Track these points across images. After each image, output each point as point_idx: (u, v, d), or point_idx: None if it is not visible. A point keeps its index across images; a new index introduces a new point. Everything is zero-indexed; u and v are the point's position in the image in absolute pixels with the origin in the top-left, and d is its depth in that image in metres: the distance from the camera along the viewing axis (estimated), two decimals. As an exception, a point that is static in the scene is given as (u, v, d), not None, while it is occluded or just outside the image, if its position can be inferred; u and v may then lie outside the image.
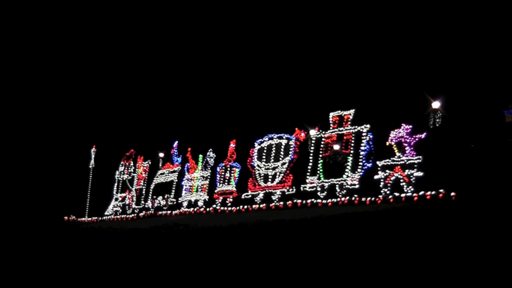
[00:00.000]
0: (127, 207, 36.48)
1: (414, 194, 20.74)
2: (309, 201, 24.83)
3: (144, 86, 43.38)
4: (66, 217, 39.73)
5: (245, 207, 27.88)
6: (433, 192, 19.99)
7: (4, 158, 44.34)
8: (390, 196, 21.56)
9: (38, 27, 45.05)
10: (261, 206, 27.03)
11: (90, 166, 40.77)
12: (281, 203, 26.18)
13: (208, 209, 30.18)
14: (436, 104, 21.16)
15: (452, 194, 19.25)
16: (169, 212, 32.84)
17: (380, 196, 22.14)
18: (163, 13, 41.30)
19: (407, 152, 21.69)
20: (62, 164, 42.94)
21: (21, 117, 46.19)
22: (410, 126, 21.86)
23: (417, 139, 21.43)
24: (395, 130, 22.31)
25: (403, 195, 21.16)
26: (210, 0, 38.87)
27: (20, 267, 21.45)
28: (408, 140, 21.74)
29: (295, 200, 25.51)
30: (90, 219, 38.67)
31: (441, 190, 19.74)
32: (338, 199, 23.74)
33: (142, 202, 35.54)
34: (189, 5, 40.09)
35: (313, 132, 26.60)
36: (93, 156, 41.00)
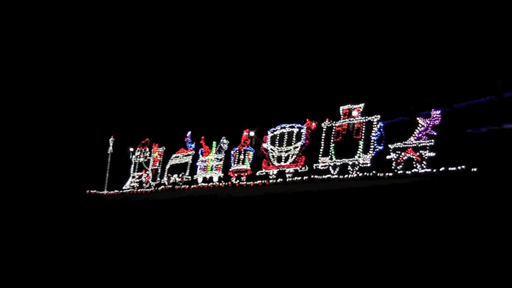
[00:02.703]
0: (143, 183, 33.95)
1: (434, 170, 18.44)
2: (325, 176, 22.41)
3: (160, 82, 40.92)
4: (88, 191, 37.22)
5: (263, 182, 25.20)
6: (454, 168, 17.80)
7: (40, 147, 42.82)
8: (408, 172, 19.29)
9: (59, 24, 42.28)
10: (273, 181, 24.64)
11: (109, 152, 38.50)
12: (291, 179, 23.85)
13: (226, 184, 27.43)
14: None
15: (474, 169, 17.04)
16: (186, 186, 30.01)
17: (391, 173, 19.90)
18: (182, 8, 38.73)
19: (417, 136, 19.67)
20: (87, 150, 41.48)
21: (59, 112, 44.29)
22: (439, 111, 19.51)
23: (431, 125, 19.45)
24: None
25: (422, 170, 18.88)
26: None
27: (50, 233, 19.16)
28: (424, 127, 19.70)
29: (311, 176, 23.00)
30: (110, 192, 35.96)
31: (463, 166, 17.60)
32: (352, 175, 21.41)
33: (158, 179, 32.96)
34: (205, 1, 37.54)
35: (252, 133, 27.05)
36: (111, 144, 38.88)
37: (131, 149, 36.46)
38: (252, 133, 27.68)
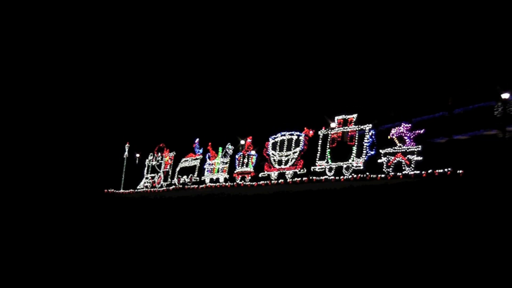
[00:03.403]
0: (156, 183, 34.63)
1: (423, 172, 18.82)
2: (322, 178, 22.89)
3: (172, 94, 41.70)
4: (106, 190, 38.15)
5: (265, 182, 25.71)
6: (441, 170, 18.20)
7: (63, 152, 43.95)
8: (399, 174, 19.66)
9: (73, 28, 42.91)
10: (275, 181, 25.10)
11: (124, 157, 39.51)
12: (294, 179, 24.29)
13: (232, 184, 27.87)
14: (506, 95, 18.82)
15: (460, 171, 17.47)
16: (195, 186, 30.59)
17: (383, 175, 20.30)
18: (184, 14, 39.24)
19: (407, 143, 20.26)
20: (106, 155, 42.34)
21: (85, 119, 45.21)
22: (409, 125, 20.51)
23: (416, 134, 20.05)
24: (396, 128, 20.88)
25: (411, 172, 19.25)
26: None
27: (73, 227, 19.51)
28: (408, 135, 20.29)
29: (310, 177, 23.49)
30: (126, 191, 36.78)
31: (449, 168, 18.03)
32: (346, 176, 21.86)
33: (169, 180, 33.69)
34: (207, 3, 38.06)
35: (242, 142, 28.22)
36: (127, 150, 39.92)
37: (138, 155, 37.95)
38: (242, 142, 28.83)
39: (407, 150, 19.86)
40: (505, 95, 18.73)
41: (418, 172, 18.97)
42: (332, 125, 23.67)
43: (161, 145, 36.51)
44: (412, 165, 19.51)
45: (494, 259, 9.40)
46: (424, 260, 9.97)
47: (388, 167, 20.40)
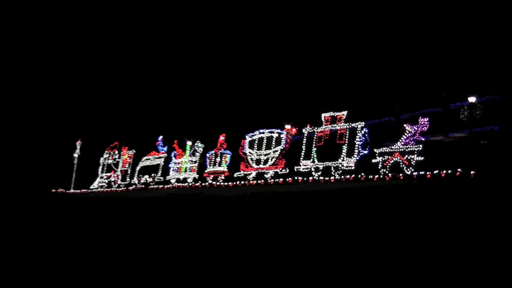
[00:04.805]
0: (112, 183, 31.56)
1: (428, 173, 17.30)
2: (310, 178, 21.02)
3: (132, 85, 38.71)
4: (54, 190, 34.45)
5: (242, 182, 23.56)
6: (450, 171, 16.62)
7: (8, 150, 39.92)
8: (400, 175, 18.03)
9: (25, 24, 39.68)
10: (254, 182, 23.02)
11: (76, 155, 35.89)
12: (273, 180, 22.32)
13: (203, 184, 25.49)
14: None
15: (472, 172, 15.86)
16: (160, 186, 27.90)
17: (380, 176, 18.70)
18: (150, 8, 36.77)
19: (406, 141, 18.70)
20: (54, 152, 38.69)
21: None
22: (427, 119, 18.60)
23: (419, 131, 18.59)
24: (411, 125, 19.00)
25: (414, 173, 17.67)
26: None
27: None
28: (412, 131, 18.68)
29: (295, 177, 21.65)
30: (77, 191, 33.38)
31: (459, 169, 16.42)
32: (336, 177, 20.12)
33: (128, 179, 30.70)
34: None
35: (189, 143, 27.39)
36: (78, 147, 36.24)
37: (75, 155, 35.27)
38: (189, 142, 27.52)
39: (406, 150, 18.41)
40: (472, 99, 18.36)
41: (422, 173, 17.45)
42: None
43: (116, 143, 33.76)
44: (412, 165, 18.05)
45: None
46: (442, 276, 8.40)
47: (384, 167, 18.87)
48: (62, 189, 34.33)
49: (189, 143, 27.57)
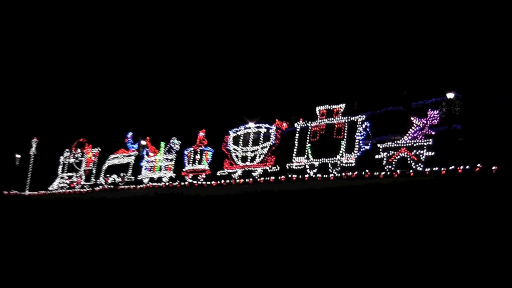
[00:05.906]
0: (75, 183, 28.94)
1: (442, 169, 15.92)
2: (306, 176, 19.32)
3: (95, 77, 35.94)
4: (6, 192, 31.39)
5: (227, 181, 21.68)
6: (467, 167, 15.34)
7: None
8: (411, 171, 16.56)
9: None
10: (241, 180, 21.19)
11: (31, 153, 33.31)
12: (263, 178, 20.58)
13: (182, 183, 23.45)
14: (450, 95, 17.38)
15: (494, 168, 14.62)
16: (132, 186, 25.52)
17: (383, 172, 17.25)
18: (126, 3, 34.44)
19: (414, 135, 17.40)
20: (5, 151, 35.26)
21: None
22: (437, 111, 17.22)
23: (428, 124, 17.27)
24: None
25: (427, 169, 16.22)
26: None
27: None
28: (420, 125, 17.38)
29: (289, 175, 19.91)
30: (33, 193, 30.61)
31: (478, 165, 15.09)
32: (335, 174, 18.52)
33: (93, 179, 28.26)
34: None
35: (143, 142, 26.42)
36: (34, 145, 33.71)
37: (18, 156, 33.77)
38: (143, 142, 26.39)
39: (414, 145, 17.05)
40: (450, 95, 17.38)
41: (436, 169, 16.06)
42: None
43: (80, 140, 31.02)
44: (421, 161, 16.68)
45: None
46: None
47: (389, 163, 17.42)
48: (15, 191, 31.28)
49: (143, 142, 26.29)
